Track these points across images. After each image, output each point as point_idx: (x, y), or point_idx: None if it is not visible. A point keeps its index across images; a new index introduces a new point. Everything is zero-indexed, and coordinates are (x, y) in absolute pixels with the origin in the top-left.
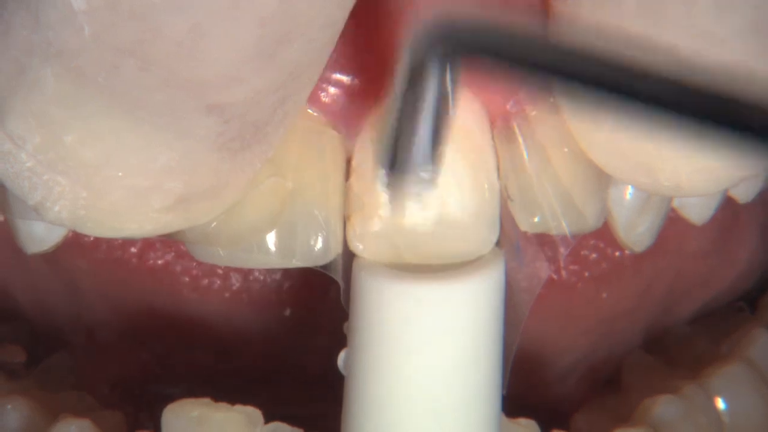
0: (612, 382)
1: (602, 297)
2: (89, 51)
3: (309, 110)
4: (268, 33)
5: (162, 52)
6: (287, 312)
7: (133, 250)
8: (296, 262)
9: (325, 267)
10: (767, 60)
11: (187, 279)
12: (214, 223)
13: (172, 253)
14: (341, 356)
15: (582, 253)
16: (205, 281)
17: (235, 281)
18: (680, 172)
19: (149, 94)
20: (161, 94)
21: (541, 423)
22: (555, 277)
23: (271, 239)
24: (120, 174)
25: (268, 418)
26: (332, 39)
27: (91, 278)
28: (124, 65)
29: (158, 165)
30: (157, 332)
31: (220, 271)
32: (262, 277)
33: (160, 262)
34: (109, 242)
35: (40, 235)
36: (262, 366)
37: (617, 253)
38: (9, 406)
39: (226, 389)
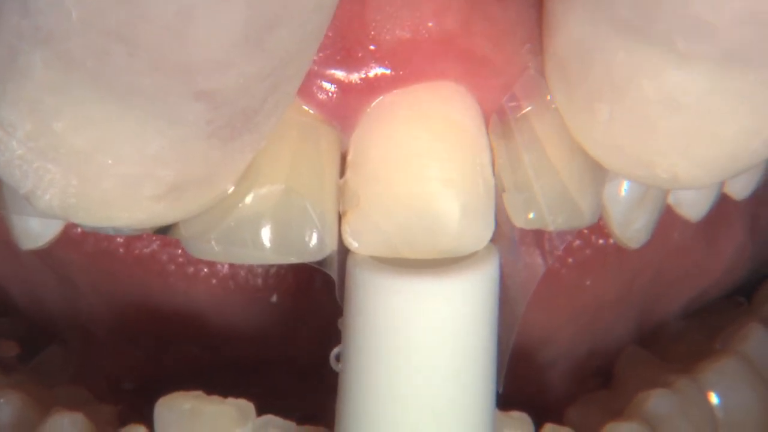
0: (604, 376)
1: (586, 284)
2: (77, 36)
3: (303, 106)
4: (257, 16)
5: (149, 36)
6: (274, 298)
7: (120, 240)
8: (291, 258)
9: (320, 263)
10: (762, 50)
11: (173, 267)
12: (208, 219)
13: (158, 242)
14: (334, 353)
15: (568, 240)
16: (191, 269)
17: (221, 267)
18: (677, 164)
19: (138, 79)
20: (150, 80)
21: (530, 415)
22: (542, 263)
23: (266, 235)
24: (111, 161)
25: (260, 409)
26: (322, 25)
27: (82, 270)
28: (113, 50)
29: (149, 152)
30: (148, 322)
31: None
32: (249, 264)
33: (146, 251)
34: (96, 233)
35: (35, 231)
36: (251, 355)
37: (601, 240)
38: (2, 400)
39: (217, 380)
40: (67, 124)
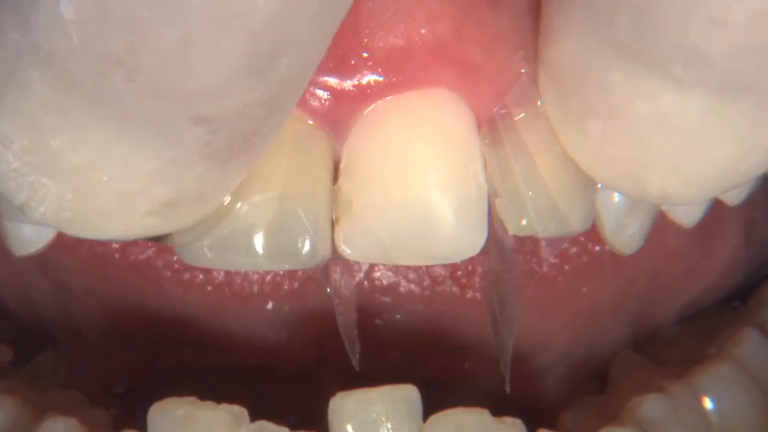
0: (599, 380)
1: (582, 291)
2: (77, 58)
3: (297, 112)
4: (258, 48)
5: (150, 63)
6: (269, 305)
7: (115, 245)
8: (284, 265)
9: (313, 270)
10: (757, 79)
11: (168, 273)
12: (202, 227)
13: (154, 248)
14: None
15: (562, 246)
16: (187, 275)
17: (217, 274)
18: (668, 182)
19: (136, 102)
20: (148, 104)
21: (524, 420)
22: (536, 268)
23: (259, 242)
24: (107, 178)
25: (254, 415)
26: (321, 52)
27: (76, 275)
28: (112, 74)
29: (146, 171)
30: (142, 328)
31: None
32: (243, 270)
33: (141, 257)
34: (91, 239)
35: (28, 238)
36: (246, 361)
37: (597, 247)
38: None
39: (211, 385)
40: (64, 141)
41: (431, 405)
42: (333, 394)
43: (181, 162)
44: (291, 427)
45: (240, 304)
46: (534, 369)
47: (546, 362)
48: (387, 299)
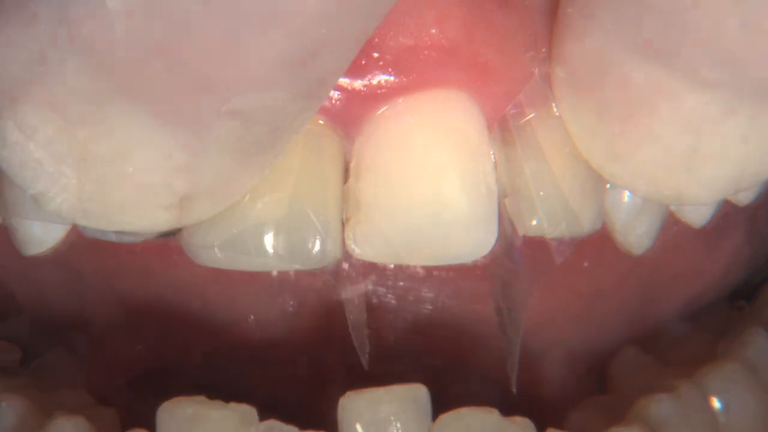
0: (598, 373)
1: (583, 266)
2: (118, 49)
3: None
4: (303, 44)
5: (192, 55)
6: (274, 272)
7: None
8: (295, 265)
9: (323, 270)
10: None
11: (175, 242)
12: (212, 227)
13: None
14: None
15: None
16: None
17: None
18: (681, 183)
19: (174, 94)
20: (185, 95)
21: (522, 407)
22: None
23: (269, 242)
24: (131, 170)
25: (262, 400)
26: (358, 49)
27: (87, 256)
28: (152, 65)
29: (171, 164)
30: (152, 308)
31: None
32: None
33: None
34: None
35: (38, 237)
36: (254, 336)
37: None
38: (3, 404)
39: (220, 370)
40: (91, 131)
41: (432, 384)
42: (338, 372)
43: (206, 155)
44: (300, 426)
45: (247, 274)
46: (533, 351)
47: (544, 344)
48: (390, 266)
